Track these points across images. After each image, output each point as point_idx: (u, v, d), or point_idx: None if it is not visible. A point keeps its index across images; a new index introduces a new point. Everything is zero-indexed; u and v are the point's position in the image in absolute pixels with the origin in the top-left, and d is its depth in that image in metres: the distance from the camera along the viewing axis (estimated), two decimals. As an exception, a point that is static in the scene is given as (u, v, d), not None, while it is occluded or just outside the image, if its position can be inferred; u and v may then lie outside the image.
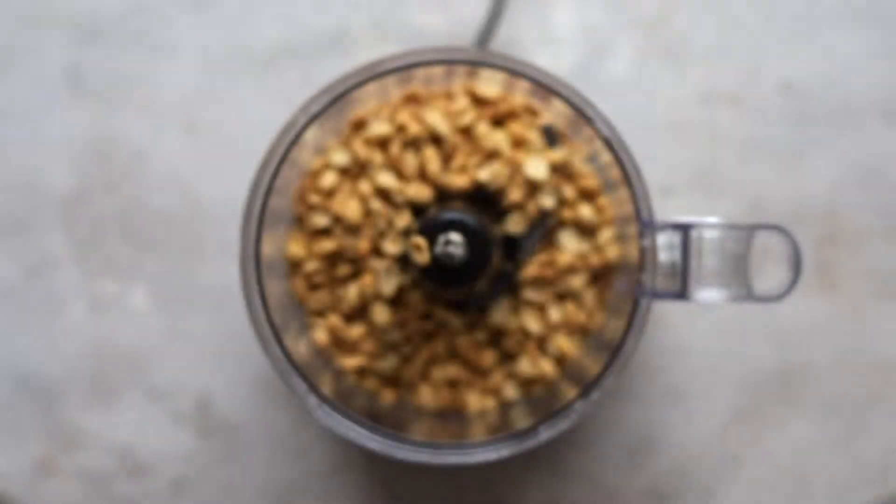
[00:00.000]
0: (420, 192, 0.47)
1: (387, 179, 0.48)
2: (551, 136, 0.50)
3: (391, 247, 0.48)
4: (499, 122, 0.50)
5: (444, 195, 0.48)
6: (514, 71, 0.50)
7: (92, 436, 0.61)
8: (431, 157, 0.48)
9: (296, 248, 0.50)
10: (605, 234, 0.50)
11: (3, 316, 0.61)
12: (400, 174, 0.48)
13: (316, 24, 0.61)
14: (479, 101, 0.50)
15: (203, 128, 0.61)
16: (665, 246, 0.47)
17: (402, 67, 0.49)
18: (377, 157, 0.48)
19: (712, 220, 0.47)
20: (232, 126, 0.61)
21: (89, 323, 0.61)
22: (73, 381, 0.61)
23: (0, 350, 0.61)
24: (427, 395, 0.50)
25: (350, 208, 0.48)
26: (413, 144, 0.48)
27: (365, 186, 0.48)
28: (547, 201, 0.48)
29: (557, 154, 0.49)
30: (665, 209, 0.60)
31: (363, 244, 0.48)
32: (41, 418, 0.61)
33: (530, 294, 0.49)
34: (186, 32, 0.61)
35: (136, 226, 0.61)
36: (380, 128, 0.49)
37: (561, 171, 0.49)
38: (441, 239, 0.46)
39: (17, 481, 0.61)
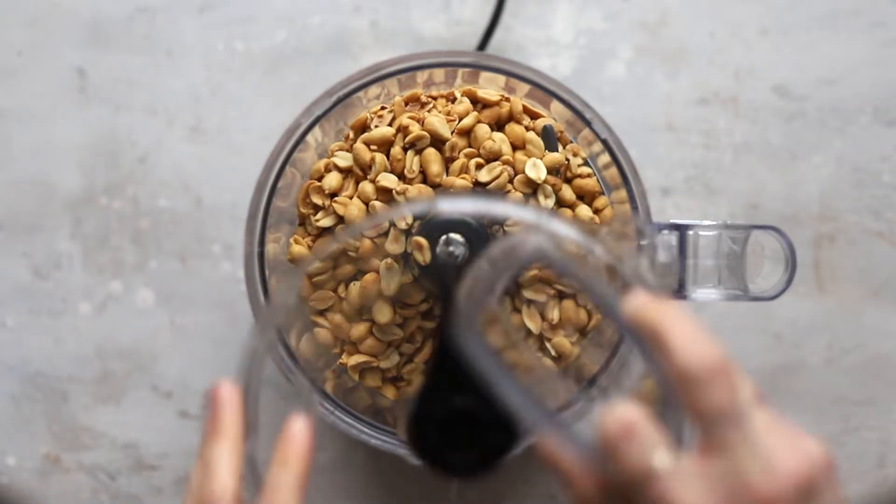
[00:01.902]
0: (421, 192, 0.48)
1: (388, 180, 0.48)
2: (550, 138, 0.50)
3: (393, 246, 0.48)
4: (499, 124, 0.50)
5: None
6: (514, 74, 0.50)
7: (99, 433, 0.61)
8: (432, 158, 0.48)
9: (299, 248, 0.50)
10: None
11: (13, 315, 0.61)
12: (401, 175, 0.49)
13: (318, 27, 0.62)
14: (479, 104, 0.50)
15: (208, 129, 0.61)
16: (662, 246, 0.48)
17: (404, 70, 0.50)
18: (379, 158, 0.49)
19: (709, 220, 0.47)
20: (236, 128, 0.61)
21: (96, 322, 0.61)
22: (81, 379, 0.61)
23: (10, 349, 0.61)
24: (428, 393, 0.50)
25: (352, 209, 0.48)
26: (414, 146, 0.49)
27: (367, 187, 0.49)
28: (546, 202, 0.49)
29: (556, 156, 0.49)
30: (663, 210, 0.61)
31: (365, 244, 0.48)
32: (50, 416, 0.61)
33: (530, 294, 0.49)
34: (191, 36, 0.62)
35: (142, 226, 0.61)
36: (382, 130, 0.49)
37: (560, 172, 0.50)
38: (442, 239, 0.46)
39: (26, 477, 0.61)
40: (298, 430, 0.39)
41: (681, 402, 0.34)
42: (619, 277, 0.43)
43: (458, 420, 0.40)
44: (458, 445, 0.40)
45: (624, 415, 0.34)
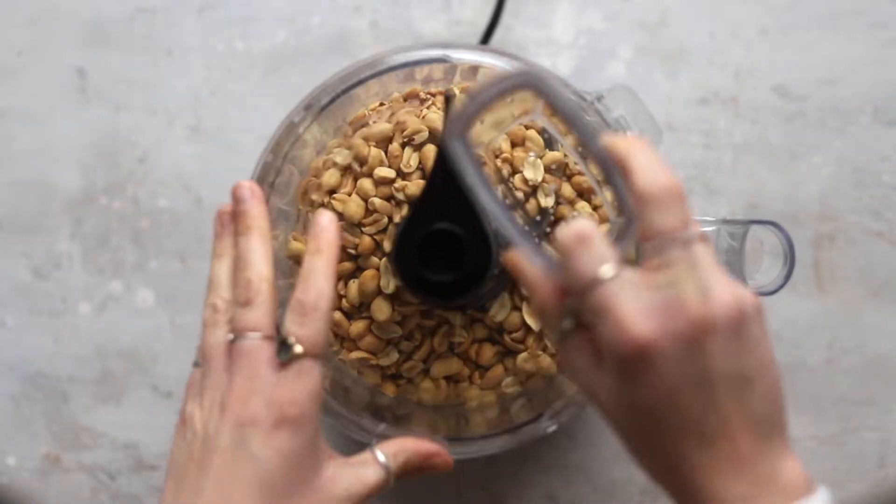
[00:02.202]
0: (419, 188, 0.47)
1: (387, 176, 0.48)
2: (549, 137, 0.50)
3: (392, 243, 0.48)
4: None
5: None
6: (513, 72, 0.50)
7: (99, 433, 0.61)
8: (431, 154, 0.48)
9: (298, 245, 0.50)
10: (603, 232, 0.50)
11: (13, 315, 0.61)
12: (400, 171, 0.49)
13: (318, 27, 0.62)
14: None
15: (207, 129, 0.62)
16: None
17: (403, 65, 0.50)
18: (375, 152, 0.49)
19: (708, 217, 0.47)
20: (235, 127, 0.62)
21: (96, 322, 0.61)
22: (81, 379, 0.61)
23: (10, 349, 0.61)
24: (427, 390, 0.50)
25: (351, 206, 0.48)
26: (412, 142, 0.49)
27: (366, 183, 0.49)
28: (546, 200, 0.49)
29: (556, 154, 0.49)
30: (663, 209, 0.61)
31: (364, 241, 0.48)
32: (50, 416, 0.61)
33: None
34: (191, 36, 0.62)
35: (142, 226, 0.61)
36: (380, 126, 0.49)
37: (559, 170, 0.50)
38: (441, 235, 0.46)
39: (26, 477, 0.61)
40: (327, 221, 0.43)
41: (637, 223, 0.38)
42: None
43: (439, 244, 0.44)
44: (438, 269, 0.44)
45: (581, 226, 0.38)
